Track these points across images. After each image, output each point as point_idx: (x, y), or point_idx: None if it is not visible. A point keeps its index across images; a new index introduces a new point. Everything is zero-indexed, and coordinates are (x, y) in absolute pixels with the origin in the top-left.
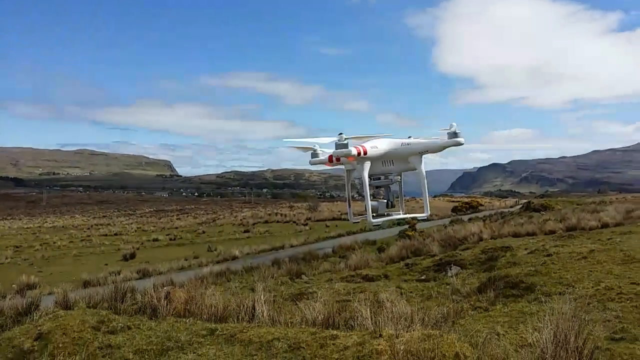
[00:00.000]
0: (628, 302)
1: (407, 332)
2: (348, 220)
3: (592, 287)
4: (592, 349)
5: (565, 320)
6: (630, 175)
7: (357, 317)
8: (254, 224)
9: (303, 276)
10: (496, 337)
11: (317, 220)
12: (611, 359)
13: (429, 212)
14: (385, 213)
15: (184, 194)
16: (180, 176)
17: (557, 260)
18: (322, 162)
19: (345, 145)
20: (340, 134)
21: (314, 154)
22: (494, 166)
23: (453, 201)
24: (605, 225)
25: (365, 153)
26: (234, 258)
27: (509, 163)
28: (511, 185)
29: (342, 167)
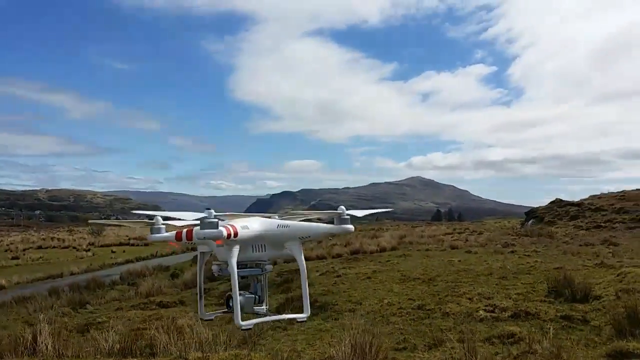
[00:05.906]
0: (407, 315)
1: (213, 354)
2: (199, 316)
3: (377, 303)
4: (384, 358)
5: (362, 334)
6: (402, 206)
7: (159, 344)
8: (24, 250)
9: (88, 306)
10: (296, 354)
11: (102, 246)
12: None
13: (309, 311)
14: (254, 310)
15: None
16: None
17: (346, 280)
18: (166, 239)
19: (215, 225)
20: (208, 209)
21: (155, 229)
22: (286, 194)
23: None
24: (383, 249)
25: (235, 235)
26: (1, 288)
27: (299, 191)
28: None
29: (194, 245)
